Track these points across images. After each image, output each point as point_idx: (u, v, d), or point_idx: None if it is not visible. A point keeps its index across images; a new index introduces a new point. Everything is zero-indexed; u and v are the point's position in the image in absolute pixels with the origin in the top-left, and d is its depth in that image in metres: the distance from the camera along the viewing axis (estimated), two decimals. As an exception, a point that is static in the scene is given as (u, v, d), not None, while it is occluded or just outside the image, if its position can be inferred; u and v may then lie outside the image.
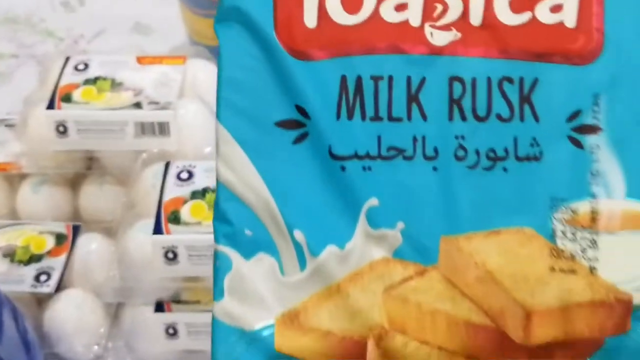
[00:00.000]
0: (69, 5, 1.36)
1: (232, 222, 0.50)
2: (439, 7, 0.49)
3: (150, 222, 0.94)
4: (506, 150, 0.49)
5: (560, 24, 0.49)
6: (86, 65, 1.04)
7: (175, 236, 0.92)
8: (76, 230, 1.02)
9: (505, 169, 0.49)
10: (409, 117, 0.49)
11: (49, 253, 1.00)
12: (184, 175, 0.97)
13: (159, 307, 0.97)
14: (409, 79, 0.49)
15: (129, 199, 1.00)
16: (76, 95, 1.00)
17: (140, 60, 1.04)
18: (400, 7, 0.49)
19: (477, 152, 0.49)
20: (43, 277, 0.97)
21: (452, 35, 0.49)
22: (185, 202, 0.95)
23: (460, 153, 0.49)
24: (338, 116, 0.49)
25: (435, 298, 0.49)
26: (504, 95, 0.49)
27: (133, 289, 0.97)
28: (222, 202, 0.50)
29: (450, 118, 0.49)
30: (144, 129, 0.98)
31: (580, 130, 0.49)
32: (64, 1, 1.38)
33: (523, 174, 0.49)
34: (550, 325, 0.48)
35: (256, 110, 0.50)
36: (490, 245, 0.49)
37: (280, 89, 0.49)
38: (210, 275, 0.51)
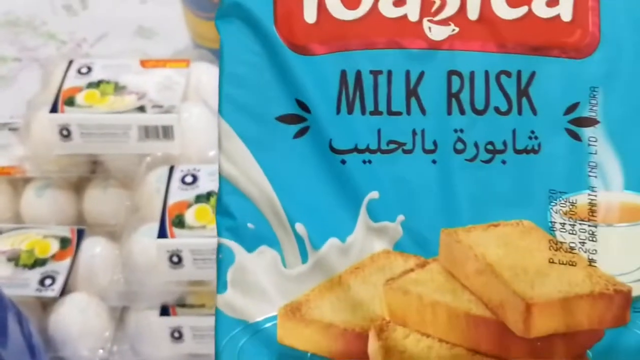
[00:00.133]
0: (72, 9, 1.37)
1: (234, 216, 0.50)
2: (437, 2, 0.49)
3: (155, 226, 0.94)
4: (504, 143, 0.50)
5: (557, 18, 0.49)
6: (89, 69, 1.04)
7: (179, 240, 0.93)
8: (80, 234, 1.03)
9: (503, 162, 0.50)
10: (408, 111, 0.50)
11: (54, 257, 1.00)
12: (189, 179, 0.97)
13: (164, 310, 0.98)
14: (407, 74, 0.50)
15: (133, 203, 1.01)
16: (79, 98, 1.01)
17: (143, 63, 1.04)
18: (399, 3, 0.50)
19: (476, 145, 0.50)
20: (48, 281, 0.98)
21: (450, 29, 0.50)
22: (189, 205, 0.95)
23: (459, 146, 0.50)
24: (338, 110, 0.50)
25: (436, 290, 0.50)
26: (501, 88, 0.49)
27: (138, 293, 0.97)
28: (224, 195, 0.51)
29: (449, 112, 0.50)
30: (148, 132, 0.98)
31: (577, 122, 0.49)
32: (66, 4, 1.38)
33: (521, 167, 0.50)
34: (550, 317, 0.48)
35: (257, 105, 0.50)
36: (490, 238, 0.49)
37: (280, 83, 0.50)
38: (215, 279, 0.51)
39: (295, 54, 0.50)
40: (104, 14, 1.39)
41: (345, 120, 0.50)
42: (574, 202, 0.49)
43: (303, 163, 0.50)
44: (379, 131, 0.50)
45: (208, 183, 0.96)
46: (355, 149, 0.50)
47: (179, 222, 0.93)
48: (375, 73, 0.50)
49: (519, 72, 0.49)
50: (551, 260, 0.49)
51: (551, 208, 0.49)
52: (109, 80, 1.03)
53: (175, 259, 0.93)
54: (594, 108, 0.49)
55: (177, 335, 0.97)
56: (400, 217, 0.50)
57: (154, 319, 0.97)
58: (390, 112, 0.50)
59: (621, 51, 0.49)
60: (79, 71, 1.04)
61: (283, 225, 0.50)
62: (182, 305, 0.98)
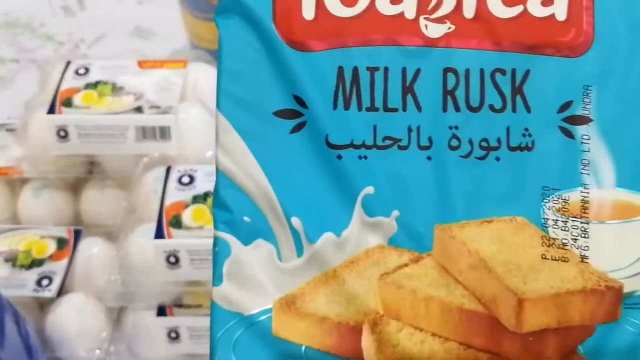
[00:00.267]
0: (70, 10, 1.37)
1: (231, 209, 0.51)
2: (434, 1, 0.50)
3: (152, 227, 0.94)
4: (499, 141, 0.50)
5: (552, 17, 0.50)
6: (87, 70, 1.04)
7: (177, 241, 0.93)
8: (78, 235, 1.03)
9: (498, 159, 0.50)
10: (404, 108, 0.50)
11: (51, 258, 1.00)
12: (186, 179, 0.97)
13: (161, 311, 0.98)
14: (404, 71, 0.50)
15: (131, 204, 1.01)
16: (77, 99, 1.01)
17: (141, 64, 1.05)
18: (396, 1, 0.50)
19: (471, 142, 0.50)
20: (45, 282, 0.98)
21: (447, 28, 0.50)
22: (187, 206, 0.95)
23: (454, 143, 0.50)
24: (335, 106, 0.50)
25: (430, 285, 0.50)
26: (496, 86, 0.50)
27: (135, 294, 0.97)
28: (221, 189, 0.51)
29: (445, 109, 0.50)
30: (145, 133, 0.99)
31: (571, 121, 0.50)
32: (64, 5, 1.38)
33: (515, 164, 0.50)
34: (543, 313, 0.49)
35: (255, 100, 0.51)
36: (484, 234, 0.50)
37: (278, 79, 0.50)
38: (212, 274, 0.52)
39: (294, 51, 0.50)
40: (102, 15, 1.39)
41: (342, 116, 0.50)
42: (567, 199, 0.50)
43: (300, 158, 0.50)
44: (375, 127, 0.50)
45: (205, 184, 0.97)
46: (352, 145, 0.50)
47: (176, 223, 0.93)
48: (372, 70, 0.50)
49: (513, 71, 0.50)
50: (544, 257, 0.49)
51: (544, 205, 0.50)
52: (106, 81, 1.03)
53: (172, 259, 0.93)
54: (588, 107, 0.50)
55: (174, 335, 0.97)
56: (395, 213, 0.50)
57: (151, 319, 0.97)
58: (386, 109, 0.50)
59: (615, 50, 0.50)
60: (76, 72, 1.04)
61: (279, 219, 0.50)
62: (180, 305, 0.98)
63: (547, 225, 0.50)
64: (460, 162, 0.50)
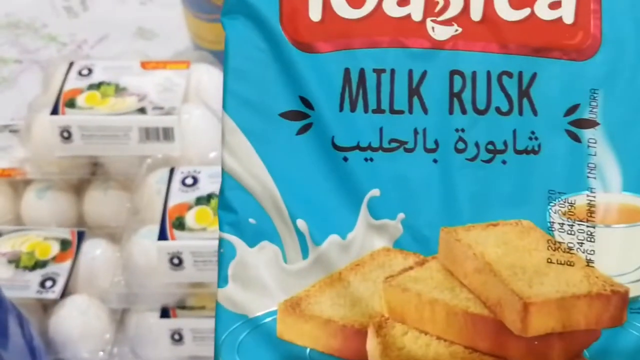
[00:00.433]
0: (72, 11, 1.37)
1: (236, 211, 0.51)
2: (441, 3, 0.50)
3: (155, 228, 0.94)
4: (505, 143, 0.50)
5: (559, 20, 0.50)
6: (90, 71, 1.04)
7: (180, 242, 0.93)
8: (81, 236, 1.03)
9: (504, 162, 0.50)
10: (410, 110, 0.50)
11: (54, 259, 1.01)
12: (189, 181, 0.97)
13: (165, 312, 0.98)
14: (410, 73, 0.50)
15: (134, 205, 1.01)
16: (80, 100, 1.01)
17: (144, 65, 1.05)
18: (403, 2, 0.50)
19: (477, 145, 0.50)
20: (48, 283, 0.98)
21: (453, 30, 0.50)
22: (190, 208, 0.95)
23: (460, 145, 0.50)
24: (341, 108, 0.50)
25: (435, 288, 0.50)
26: (503, 89, 0.50)
27: (138, 295, 0.97)
28: (226, 190, 0.51)
29: (451, 111, 0.50)
30: (149, 134, 0.99)
31: (577, 124, 0.50)
32: (67, 6, 1.38)
33: (521, 167, 0.50)
34: (548, 317, 0.48)
35: (261, 100, 0.51)
36: (489, 237, 0.50)
37: (284, 80, 0.50)
38: (216, 281, 0.52)
39: (300, 52, 0.50)
40: (105, 16, 1.39)
41: (348, 117, 0.50)
42: (573, 202, 0.50)
43: (305, 159, 0.50)
44: (381, 129, 0.50)
45: (208, 185, 0.97)
46: (358, 147, 0.50)
47: (180, 224, 0.94)
48: (379, 72, 0.50)
49: (520, 73, 0.50)
50: (549, 260, 0.49)
51: (550, 208, 0.50)
52: (109, 82, 1.03)
53: (175, 260, 0.93)
54: (594, 110, 0.50)
55: (177, 337, 0.97)
56: (401, 215, 0.50)
57: (154, 321, 0.98)
58: (392, 111, 0.50)
59: (622, 54, 0.50)
60: (79, 73, 1.05)
61: (284, 221, 0.50)
62: (183, 307, 0.98)
63: (553, 229, 0.50)
64: (466, 164, 0.50)
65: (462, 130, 0.50)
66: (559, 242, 0.50)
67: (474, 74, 0.50)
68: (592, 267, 0.49)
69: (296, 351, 0.50)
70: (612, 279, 0.49)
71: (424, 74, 0.50)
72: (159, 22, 1.36)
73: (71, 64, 1.06)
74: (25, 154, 1.05)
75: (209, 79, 1.05)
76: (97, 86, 1.03)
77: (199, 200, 0.95)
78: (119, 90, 1.02)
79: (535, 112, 0.50)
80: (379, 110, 0.50)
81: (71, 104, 1.01)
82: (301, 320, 0.50)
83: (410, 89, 0.50)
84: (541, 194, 0.50)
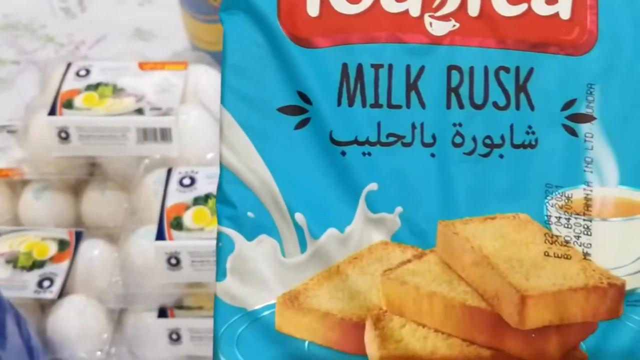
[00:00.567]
0: (70, 12, 1.37)
1: (234, 205, 0.51)
2: None
3: (153, 228, 0.94)
4: (502, 138, 0.50)
5: (556, 16, 0.50)
6: (87, 71, 1.04)
7: (177, 242, 0.93)
8: (78, 236, 1.03)
9: (501, 156, 0.50)
10: (408, 105, 0.50)
11: (52, 259, 1.01)
12: (186, 181, 0.97)
13: (162, 312, 0.98)
14: (408, 68, 0.50)
15: (131, 205, 1.01)
16: (78, 101, 1.01)
17: (141, 66, 1.05)
18: None
19: (474, 139, 0.50)
20: (46, 283, 0.98)
21: (451, 25, 0.50)
22: (187, 208, 0.95)
23: (458, 140, 0.50)
24: (339, 103, 0.50)
25: (433, 281, 0.50)
26: (500, 84, 0.50)
27: (136, 295, 0.97)
28: (225, 184, 0.51)
29: (448, 106, 0.50)
30: (146, 135, 0.99)
31: (574, 118, 0.50)
32: (64, 7, 1.38)
33: (519, 161, 0.50)
34: (545, 309, 0.49)
35: (259, 95, 0.51)
36: (486, 230, 0.50)
37: (283, 75, 0.51)
38: (214, 282, 0.52)
39: (298, 47, 0.50)
40: (102, 17, 1.39)
41: (345, 112, 0.50)
42: (570, 196, 0.50)
43: (303, 154, 0.51)
44: (378, 124, 0.50)
45: (206, 185, 0.97)
46: (355, 141, 0.50)
47: (177, 224, 0.94)
48: (376, 67, 0.50)
49: (517, 68, 0.50)
50: (546, 253, 0.50)
51: (547, 202, 0.50)
52: (107, 83, 1.03)
53: (173, 261, 0.93)
54: (591, 104, 0.50)
55: (175, 337, 0.97)
56: (399, 209, 0.50)
57: (152, 320, 0.98)
58: (390, 106, 0.50)
59: (618, 49, 0.50)
60: (77, 74, 1.05)
61: (283, 215, 0.50)
62: (180, 307, 0.98)
63: (550, 222, 0.50)
64: (463, 158, 0.50)
65: (460, 124, 0.50)
66: (556, 236, 0.50)
67: (471, 69, 0.50)
68: (589, 260, 0.50)
69: (294, 344, 0.50)
70: (609, 272, 0.50)
71: (421, 69, 0.50)
72: (157, 23, 1.36)
73: (69, 65, 1.06)
74: (23, 154, 1.05)
75: (206, 79, 1.05)
76: (95, 87, 1.03)
77: (197, 201, 0.95)
78: (117, 91, 1.02)
79: (532, 107, 0.50)
80: (376, 105, 0.50)
81: (69, 104, 1.00)
82: (299, 314, 0.50)
83: (407, 84, 0.50)
84: (538, 188, 0.50)
